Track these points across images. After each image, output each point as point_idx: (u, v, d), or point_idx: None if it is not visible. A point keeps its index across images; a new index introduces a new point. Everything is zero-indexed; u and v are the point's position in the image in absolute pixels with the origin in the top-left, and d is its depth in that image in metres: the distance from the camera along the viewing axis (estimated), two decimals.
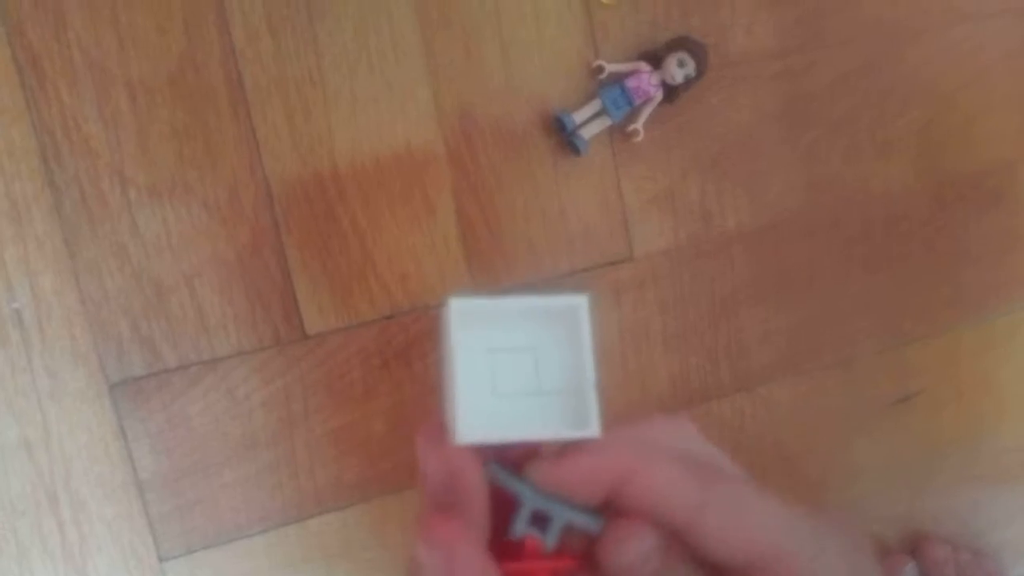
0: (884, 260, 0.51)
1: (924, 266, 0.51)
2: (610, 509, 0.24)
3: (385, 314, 0.44)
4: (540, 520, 0.25)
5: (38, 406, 0.40)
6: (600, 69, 0.43)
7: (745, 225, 0.48)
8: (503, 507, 0.24)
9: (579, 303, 0.24)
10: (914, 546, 0.53)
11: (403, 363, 0.44)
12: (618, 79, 0.42)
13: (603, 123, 0.43)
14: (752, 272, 0.48)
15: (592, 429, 0.23)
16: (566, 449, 0.24)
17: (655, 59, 0.42)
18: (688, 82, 0.42)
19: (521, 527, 0.24)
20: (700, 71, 0.42)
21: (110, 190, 0.39)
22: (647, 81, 0.42)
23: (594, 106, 0.42)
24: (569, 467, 0.23)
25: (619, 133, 0.44)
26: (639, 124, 0.43)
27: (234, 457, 0.42)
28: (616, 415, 0.24)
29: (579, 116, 0.42)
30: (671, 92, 0.42)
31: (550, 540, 0.25)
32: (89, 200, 0.39)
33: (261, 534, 0.43)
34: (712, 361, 0.48)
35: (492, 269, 0.44)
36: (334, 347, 0.43)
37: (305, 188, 0.42)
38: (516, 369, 0.25)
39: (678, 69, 0.41)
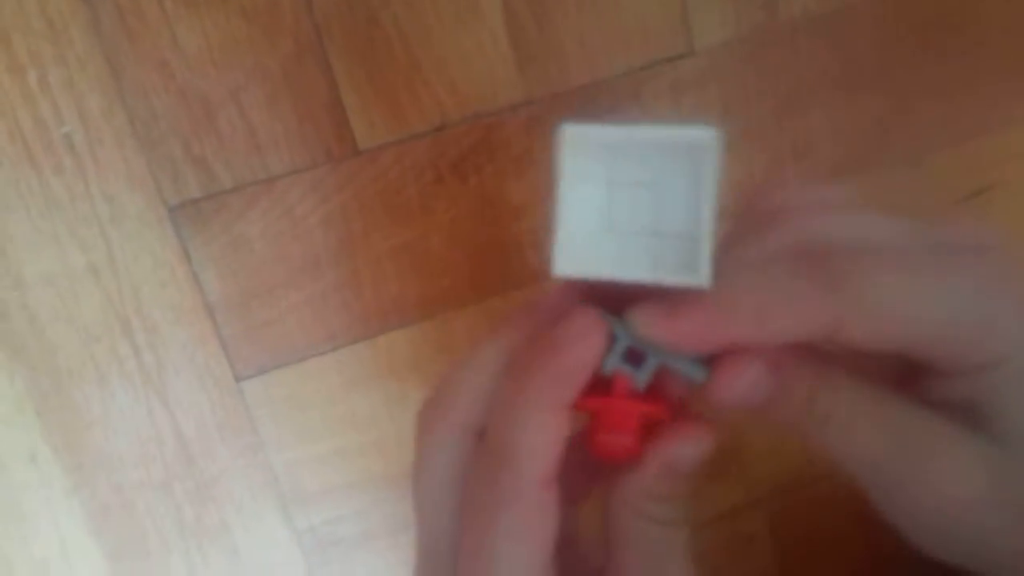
0: (958, 46, 0.47)
1: (1001, 51, 0.48)
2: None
3: (436, 125, 0.42)
4: (635, 357, 0.23)
5: (100, 232, 0.40)
6: None
7: (811, 11, 0.44)
8: None
9: (707, 138, 0.21)
10: None
11: (458, 177, 0.43)
12: None
13: None
14: (819, 64, 0.45)
15: (700, 276, 0.21)
16: (676, 300, 0.22)
17: None
18: None
19: (613, 361, 0.23)
20: None
21: (147, 2, 0.38)
22: None
23: None
24: (680, 324, 0.21)
25: None
26: None
27: (299, 278, 0.42)
28: None
29: None
30: None
31: (642, 378, 0.23)
32: (126, 14, 0.38)
33: (332, 352, 0.43)
34: (778, 161, 0.46)
35: (544, 70, 0.42)
36: (388, 162, 0.42)
37: None
38: (631, 205, 0.23)
39: None
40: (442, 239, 0.43)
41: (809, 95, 0.46)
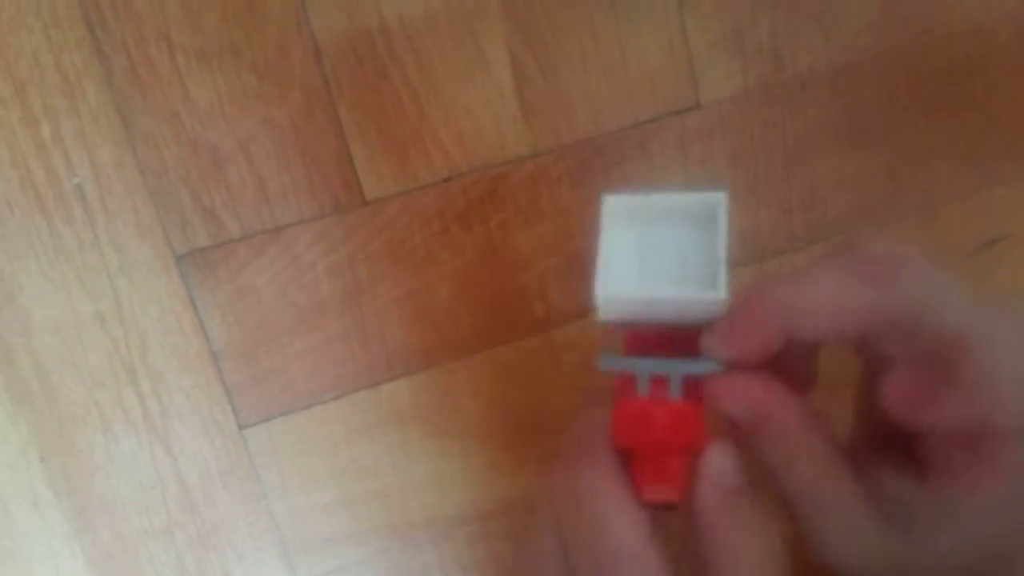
0: (969, 98, 0.47)
1: (1011, 102, 0.48)
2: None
3: (443, 176, 0.42)
4: (659, 385, 0.27)
5: (108, 281, 0.40)
6: None
7: (819, 66, 0.45)
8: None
9: (721, 198, 0.26)
10: None
11: (464, 227, 0.43)
12: None
13: None
14: (826, 117, 0.45)
15: (719, 290, 0.25)
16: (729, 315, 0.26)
17: None
18: None
19: (643, 390, 0.27)
20: None
21: (158, 56, 0.39)
22: None
23: None
24: (744, 328, 0.25)
25: None
26: None
27: (304, 325, 0.42)
28: None
29: None
30: None
31: (674, 395, 0.26)
32: (139, 68, 0.39)
33: (335, 400, 0.43)
34: (785, 212, 0.46)
35: (550, 123, 0.43)
36: (394, 212, 0.42)
37: (354, 45, 0.40)
38: (659, 259, 0.28)
39: None
40: (448, 289, 0.44)
41: (816, 147, 0.46)
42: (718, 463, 0.26)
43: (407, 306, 0.43)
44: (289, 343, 0.42)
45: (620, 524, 0.25)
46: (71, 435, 0.41)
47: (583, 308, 0.45)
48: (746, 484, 0.26)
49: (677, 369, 0.26)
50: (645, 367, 0.26)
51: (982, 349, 0.24)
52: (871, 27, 0.45)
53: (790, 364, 0.27)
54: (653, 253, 0.27)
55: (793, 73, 0.44)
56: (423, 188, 0.42)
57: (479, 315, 0.44)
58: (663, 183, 0.44)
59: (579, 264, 0.45)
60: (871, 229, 0.47)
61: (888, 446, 0.27)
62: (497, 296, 0.44)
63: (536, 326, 0.45)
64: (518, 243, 0.44)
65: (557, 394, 0.46)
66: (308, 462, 0.44)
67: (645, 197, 0.27)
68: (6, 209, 0.39)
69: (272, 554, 0.44)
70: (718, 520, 0.25)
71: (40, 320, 0.40)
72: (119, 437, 0.42)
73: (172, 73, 0.39)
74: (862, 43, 0.45)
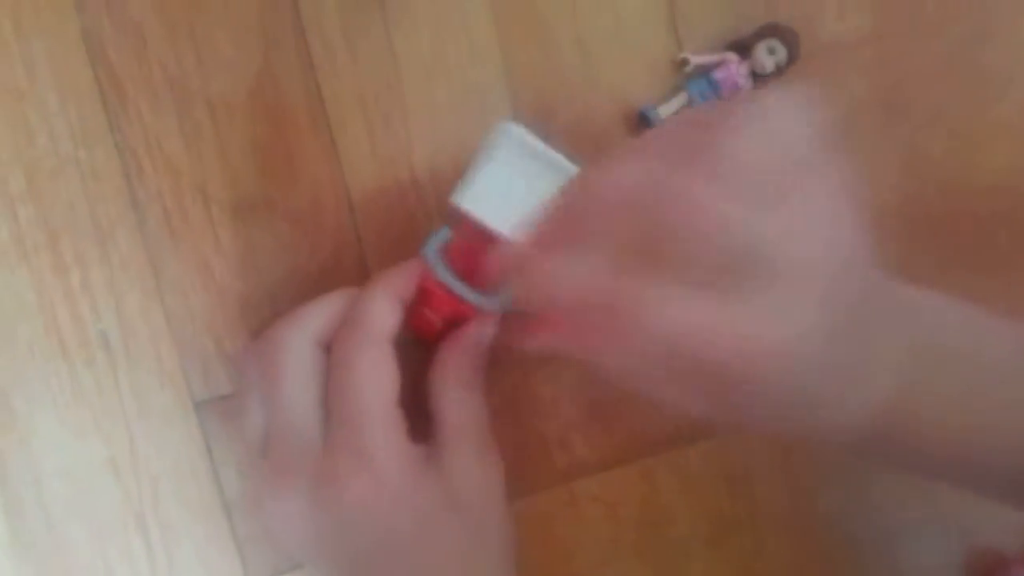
0: (994, 259, 0.47)
1: None
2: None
3: None
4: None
5: (125, 426, 0.40)
6: (685, 62, 0.41)
7: None
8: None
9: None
10: None
11: (485, 375, 0.42)
12: (705, 71, 0.41)
13: None
14: None
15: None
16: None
17: (743, 48, 0.40)
18: (779, 70, 0.40)
19: (431, 251, 0.38)
20: (791, 58, 0.40)
21: (193, 207, 0.39)
22: (735, 72, 0.40)
23: (680, 100, 0.41)
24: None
25: None
26: None
27: None
28: None
29: (664, 111, 0.41)
30: (761, 82, 0.41)
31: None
32: (172, 218, 0.39)
33: None
34: None
35: None
36: (416, 359, 0.42)
37: (386, 198, 0.41)
38: (519, 192, 0.34)
39: (768, 57, 0.39)
40: None
41: None
42: (474, 334, 0.38)
43: None
44: None
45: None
46: None
47: (607, 460, 0.44)
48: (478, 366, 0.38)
49: (471, 300, 0.36)
50: (454, 284, 0.36)
51: None
52: (891, 187, 0.45)
53: None
54: (516, 191, 0.34)
55: None
56: None
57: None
58: None
59: (603, 414, 0.44)
60: None
61: None
62: (518, 446, 0.43)
63: (558, 478, 0.44)
64: (541, 392, 0.43)
65: (579, 549, 0.44)
66: None
67: (539, 144, 0.35)
68: (28, 354, 0.39)
69: None
70: (448, 378, 0.38)
71: (52, 465, 0.39)
72: None
73: (205, 224, 0.39)
74: (883, 202, 0.45)
